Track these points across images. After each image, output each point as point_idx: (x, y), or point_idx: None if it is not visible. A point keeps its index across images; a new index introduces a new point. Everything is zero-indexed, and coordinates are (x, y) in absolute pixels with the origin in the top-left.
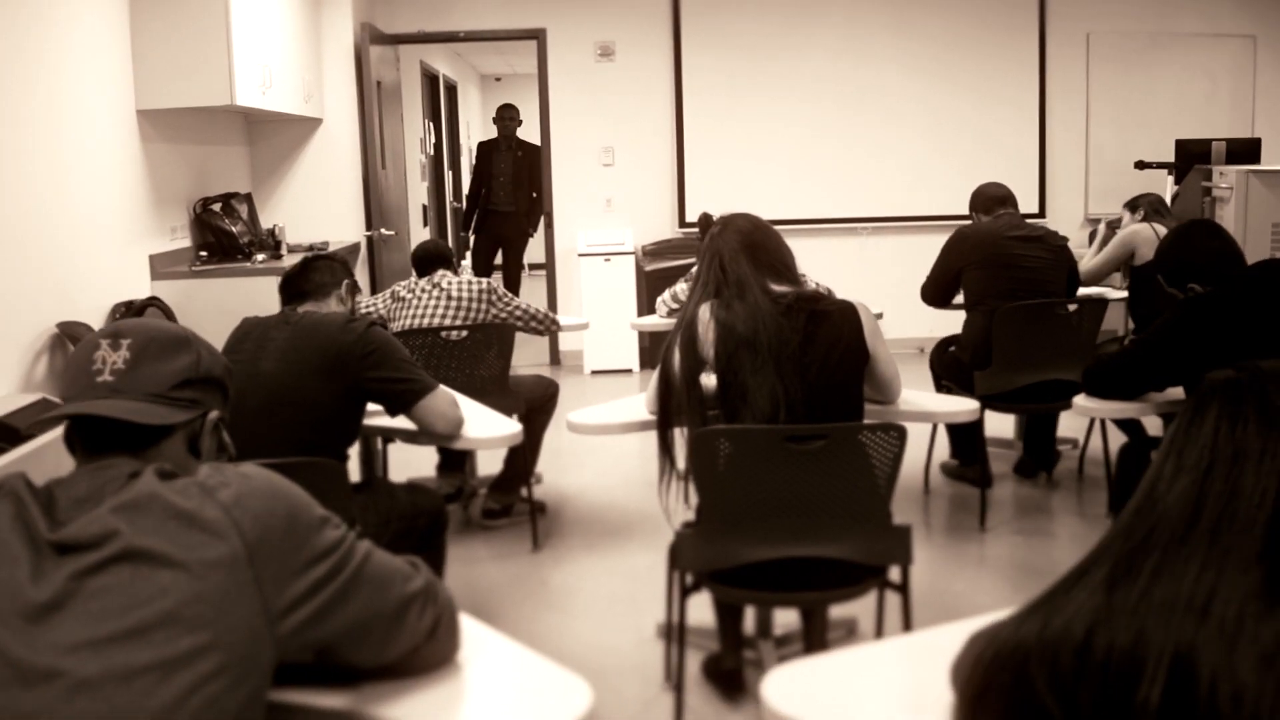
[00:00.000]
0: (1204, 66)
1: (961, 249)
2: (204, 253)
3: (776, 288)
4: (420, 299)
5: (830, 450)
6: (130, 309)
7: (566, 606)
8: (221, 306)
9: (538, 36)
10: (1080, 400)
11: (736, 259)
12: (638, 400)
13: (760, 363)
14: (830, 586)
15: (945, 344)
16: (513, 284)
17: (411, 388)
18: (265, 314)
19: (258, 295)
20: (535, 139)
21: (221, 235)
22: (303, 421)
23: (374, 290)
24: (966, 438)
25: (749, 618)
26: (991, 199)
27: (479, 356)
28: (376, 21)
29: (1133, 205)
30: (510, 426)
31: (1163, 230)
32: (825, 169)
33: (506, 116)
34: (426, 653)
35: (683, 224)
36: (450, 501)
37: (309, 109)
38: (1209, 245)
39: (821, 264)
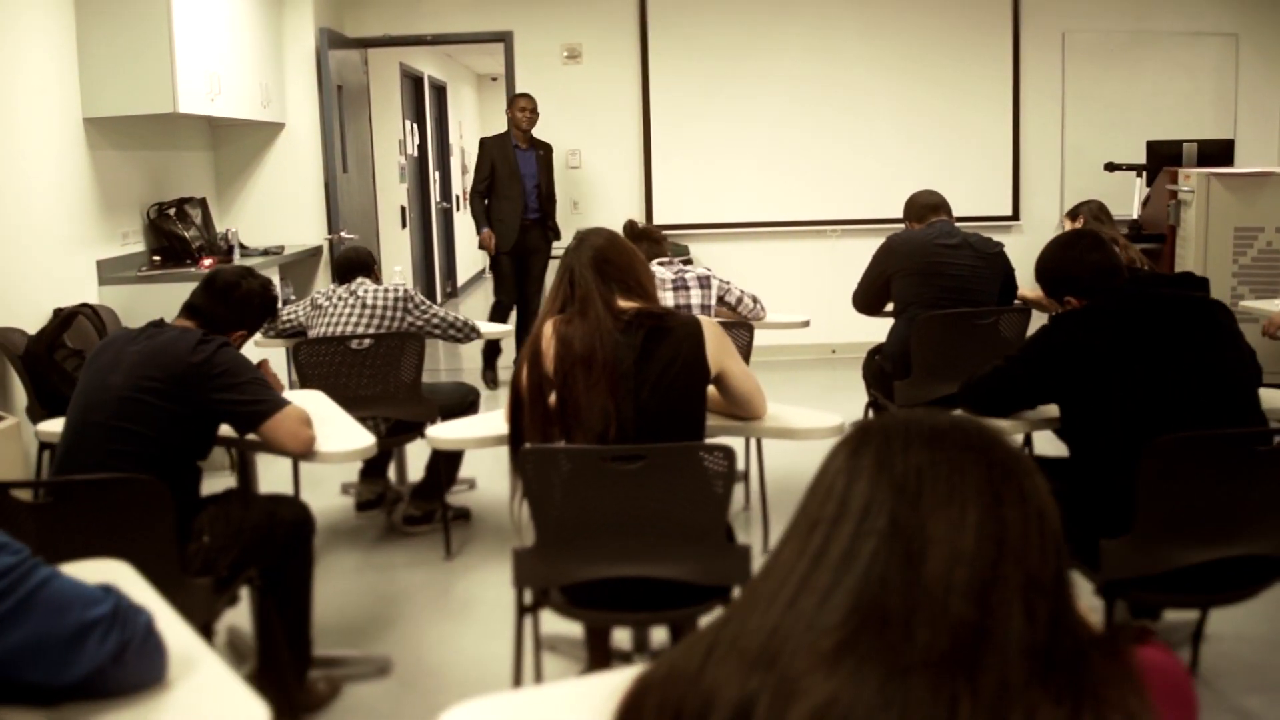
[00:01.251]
0: (1185, 65)
1: (889, 257)
2: (157, 257)
3: (624, 304)
4: (336, 307)
5: (652, 470)
6: (58, 317)
7: (463, 616)
8: (166, 311)
9: (505, 39)
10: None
11: (585, 275)
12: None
13: (594, 380)
14: (673, 606)
15: (873, 353)
16: (534, 306)
17: (258, 409)
18: None
19: None
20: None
21: (174, 240)
22: (148, 436)
23: None
24: None
25: (623, 634)
26: (924, 206)
27: (391, 365)
28: (345, 25)
29: (1073, 213)
30: (363, 439)
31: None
32: (795, 171)
33: (524, 106)
34: (118, 675)
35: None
36: (370, 507)
37: (268, 114)
38: (1089, 259)
39: (792, 266)
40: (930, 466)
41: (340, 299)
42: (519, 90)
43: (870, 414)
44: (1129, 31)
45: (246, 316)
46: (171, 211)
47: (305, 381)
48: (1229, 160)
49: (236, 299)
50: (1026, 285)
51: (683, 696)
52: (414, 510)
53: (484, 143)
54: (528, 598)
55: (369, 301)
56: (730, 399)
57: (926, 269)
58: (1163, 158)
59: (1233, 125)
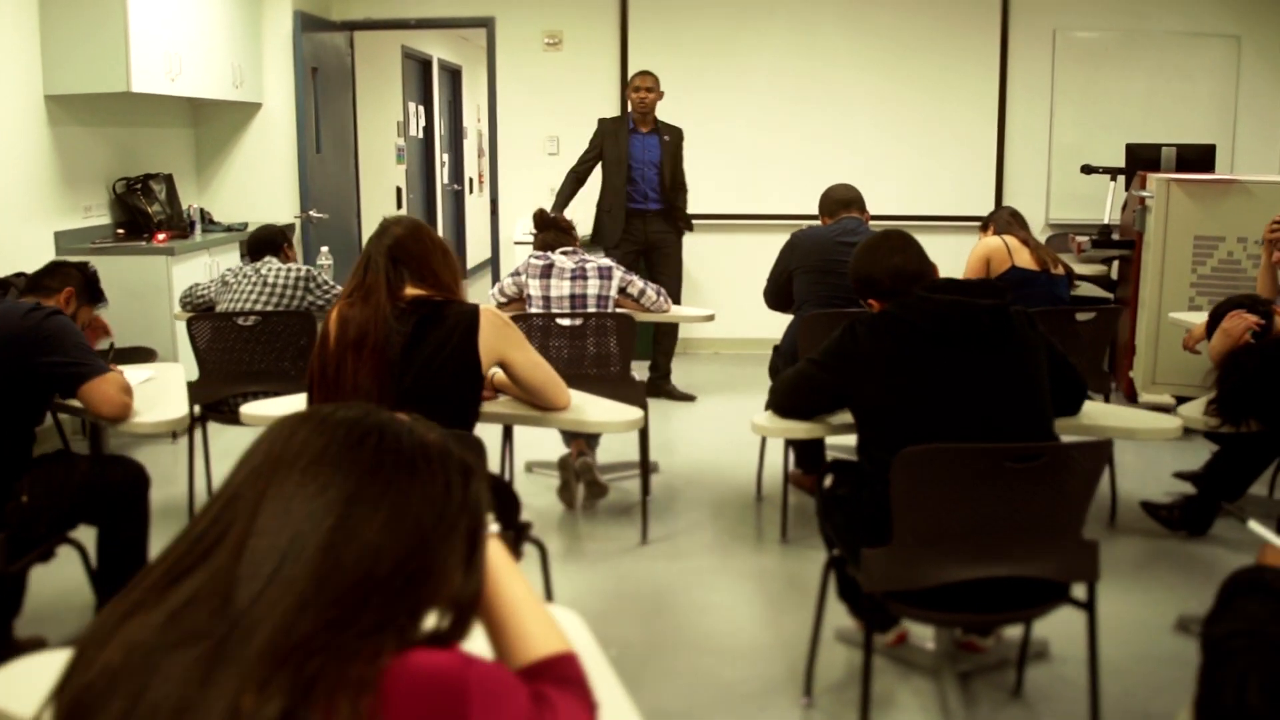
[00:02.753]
0: (1182, 67)
1: (792, 253)
2: (121, 230)
3: (411, 291)
4: (240, 284)
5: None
6: None
7: None
8: (119, 282)
9: (487, 25)
10: (757, 419)
11: (378, 262)
12: None
13: (362, 362)
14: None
15: (775, 349)
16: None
17: (78, 371)
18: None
19: (152, 273)
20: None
21: (138, 214)
22: None
23: None
24: (807, 449)
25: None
26: (835, 202)
27: (284, 344)
28: (331, 9)
29: (986, 222)
30: (179, 410)
31: (1014, 242)
32: (774, 165)
33: (639, 85)
34: None
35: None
36: None
37: (241, 94)
38: (890, 262)
39: (766, 260)
40: (292, 459)
41: (245, 276)
42: (499, 78)
43: None
44: (1124, 31)
45: (69, 281)
46: (137, 187)
47: (199, 355)
48: (1210, 166)
49: (61, 272)
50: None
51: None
52: None
53: (601, 124)
54: None
55: (270, 280)
56: (522, 389)
57: (823, 266)
58: (1141, 161)
59: (1231, 130)
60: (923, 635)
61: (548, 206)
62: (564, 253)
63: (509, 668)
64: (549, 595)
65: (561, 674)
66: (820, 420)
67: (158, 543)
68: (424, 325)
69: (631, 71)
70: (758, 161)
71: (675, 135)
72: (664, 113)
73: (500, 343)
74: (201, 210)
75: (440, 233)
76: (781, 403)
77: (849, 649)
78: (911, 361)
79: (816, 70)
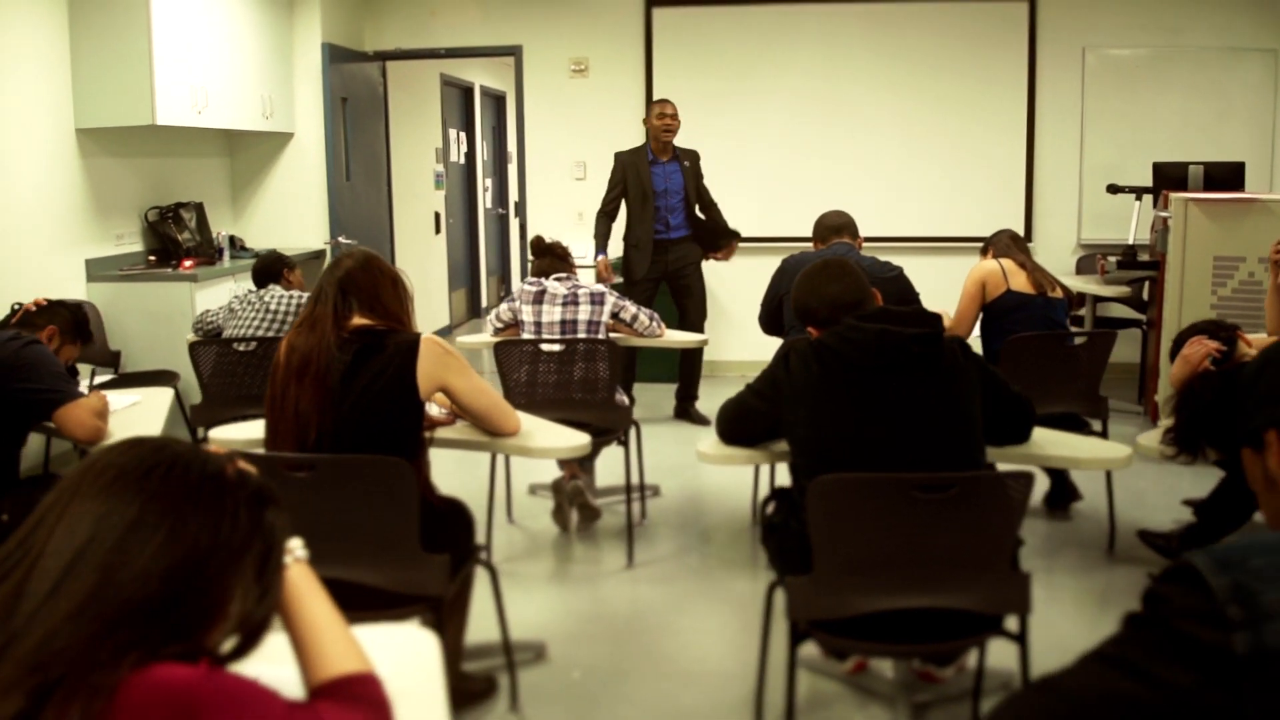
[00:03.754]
0: (1218, 83)
1: (781, 278)
2: (152, 257)
3: (359, 321)
4: (245, 311)
5: (322, 481)
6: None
7: None
8: (144, 308)
9: (515, 53)
10: (701, 446)
11: (328, 292)
12: None
13: (303, 389)
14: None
15: None
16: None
17: (51, 397)
18: (179, 315)
19: (175, 298)
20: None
21: (168, 241)
22: None
23: None
24: None
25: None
26: (827, 228)
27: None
28: (364, 40)
29: (986, 245)
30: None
31: (1010, 265)
32: (798, 187)
33: (662, 114)
34: None
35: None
36: None
37: (272, 124)
38: (826, 291)
39: None
40: (90, 484)
41: (250, 304)
42: (526, 103)
43: None
44: (1156, 47)
45: (55, 319)
46: (169, 215)
47: (201, 379)
48: (1239, 184)
49: (49, 310)
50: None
51: None
52: None
53: (618, 158)
54: None
55: (272, 307)
56: (467, 416)
57: None
58: (1169, 180)
59: (1270, 146)
60: (883, 664)
61: (581, 231)
62: (558, 279)
63: (308, 685)
64: (501, 617)
65: (353, 692)
66: (763, 448)
67: None
68: (364, 354)
69: (657, 96)
70: (783, 184)
71: (693, 158)
72: (689, 136)
73: (440, 371)
74: (232, 237)
75: (483, 256)
76: (724, 430)
77: (811, 675)
78: (837, 390)
79: (841, 92)
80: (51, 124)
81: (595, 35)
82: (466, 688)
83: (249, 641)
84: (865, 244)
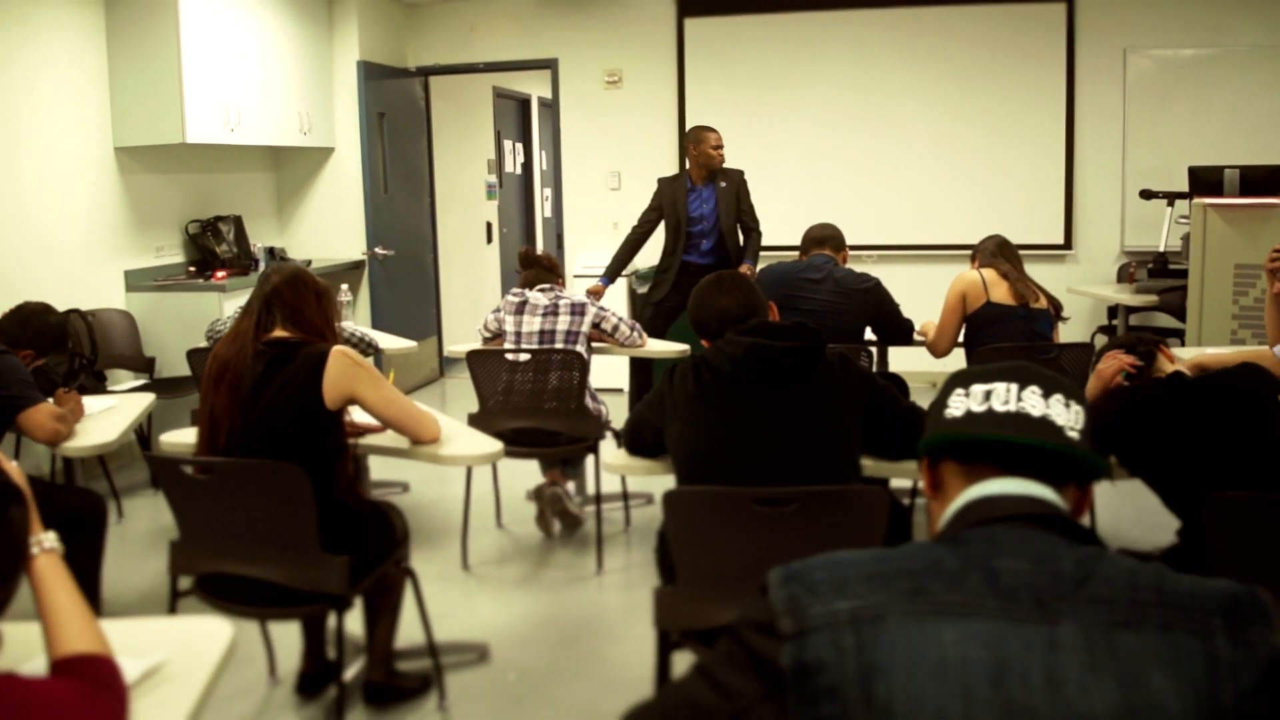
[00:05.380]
0: (1267, 82)
1: (760, 288)
2: (192, 268)
3: (279, 333)
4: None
5: (222, 484)
6: None
7: None
8: (177, 316)
9: (551, 66)
10: (607, 456)
11: (254, 305)
12: None
13: (219, 396)
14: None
15: None
16: None
17: (14, 402)
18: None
19: (206, 307)
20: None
21: (207, 253)
22: None
23: (372, 301)
24: None
25: None
26: (810, 240)
27: None
28: (406, 57)
29: (974, 252)
30: (109, 436)
31: (991, 276)
32: (830, 195)
33: (719, 145)
34: None
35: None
36: None
37: (310, 140)
38: (716, 303)
39: None
40: None
41: None
42: (563, 115)
43: None
44: (1200, 47)
45: (38, 341)
46: (208, 228)
47: (198, 384)
48: (1277, 189)
49: (34, 326)
50: (929, 317)
51: None
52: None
53: (660, 184)
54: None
55: None
56: (383, 425)
57: (784, 301)
58: (1204, 185)
59: None
60: None
61: (617, 239)
62: (541, 290)
63: (50, 661)
64: (424, 619)
65: (83, 670)
66: (664, 459)
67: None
68: (275, 365)
69: (692, 114)
70: (814, 192)
71: (734, 178)
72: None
73: (349, 382)
74: (271, 249)
75: None
76: (625, 441)
77: None
78: (710, 403)
79: (874, 101)
80: (91, 143)
81: (628, 47)
82: (397, 684)
83: None
84: (898, 251)
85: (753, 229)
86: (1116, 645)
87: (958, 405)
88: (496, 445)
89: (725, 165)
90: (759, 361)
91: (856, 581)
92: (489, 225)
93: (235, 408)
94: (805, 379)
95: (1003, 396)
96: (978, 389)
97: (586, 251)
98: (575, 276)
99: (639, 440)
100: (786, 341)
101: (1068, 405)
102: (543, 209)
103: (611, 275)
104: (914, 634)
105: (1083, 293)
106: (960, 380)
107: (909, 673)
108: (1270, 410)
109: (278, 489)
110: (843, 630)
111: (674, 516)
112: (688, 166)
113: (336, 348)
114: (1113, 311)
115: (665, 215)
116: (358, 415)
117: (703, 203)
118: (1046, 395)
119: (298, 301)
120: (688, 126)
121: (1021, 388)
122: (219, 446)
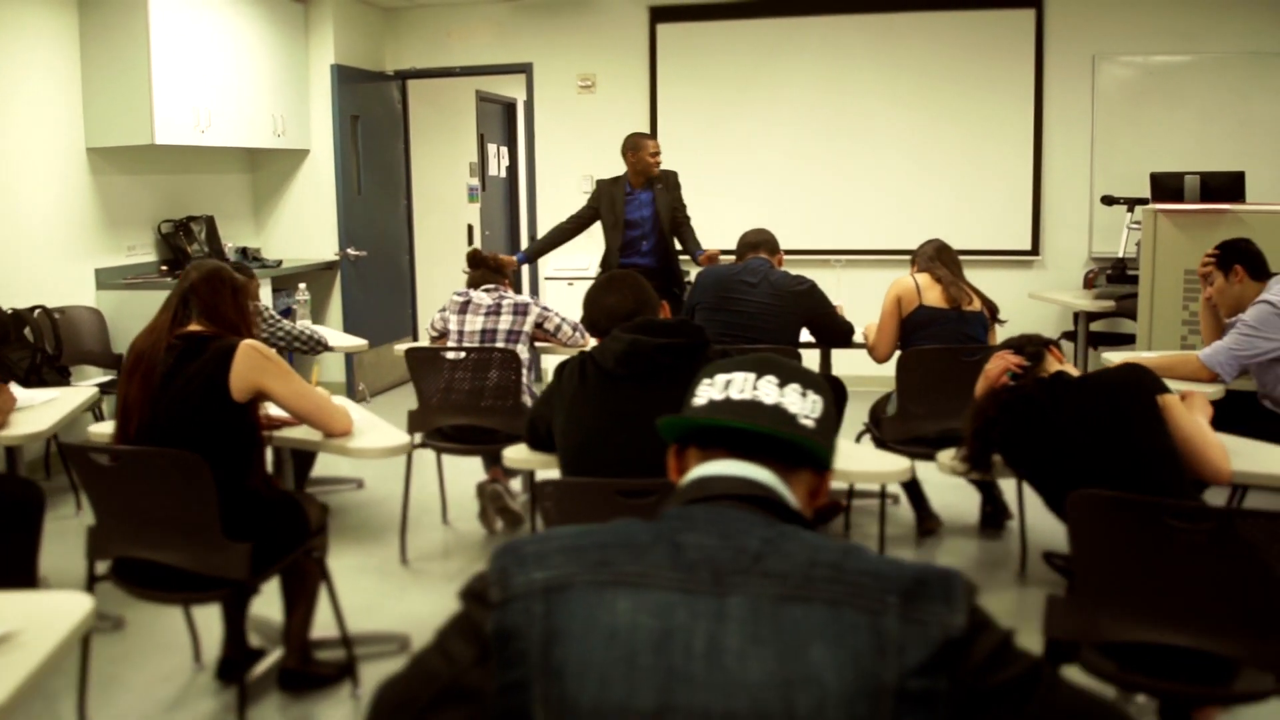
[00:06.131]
0: (1236, 89)
1: (695, 290)
2: (164, 267)
3: (193, 328)
4: None
5: (125, 471)
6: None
7: None
8: (147, 314)
9: (525, 70)
10: (508, 452)
11: (172, 301)
12: None
13: (132, 387)
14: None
15: None
16: None
17: None
18: None
19: None
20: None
21: (178, 253)
22: None
23: (344, 302)
24: None
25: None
26: (745, 244)
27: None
28: (384, 61)
29: (913, 256)
30: (38, 428)
31: (924, 280)
32: (802, 200)
33: (657, 151)
34: None
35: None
36: None
37: (284, 142)
38: (604, 301)
39: None
40: None
41: None
42: (536, 119)
43: None
44: (1170, 54)
45: None
46: (180, 228)
47: None
48: (1239, 195)
49: None
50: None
51: None
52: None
53: (599, 185)
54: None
55: None
56: (295, 417)
57: (718, 303)
58: (1166, 191)
59: None
60: None
61: (588, 242)
62: (485, 290)
63: None
64: (336, 609)
65: None
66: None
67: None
68: (185, 357)
69: (664, 118)
70: (786, 196)
71: (668, 179)
72: (694, 150)
73: (256, 375)
74: (244, 249)
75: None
76: (525, 437)
77: None
78: (591, 398)
79: (845, 104)
80: (63, 143)
81: (602, 52)
82: (312, 671)
83: None
84: (868, 255)
85: (684, 222)
86: (782, 618)
87: (703, 394)
88: (404, 439)
89: (663, 168)
90: (637, 358)
91: (556, 554)
92: (470, 228)
93: (145, 398)
94: (681, 376)
95: (739, 386)
96: (720, 378)
97: (558, 253)
98: (546, 279)
99: (535, 435)
100: (664, 338)
101: (804, 395)
102: (525, 211)
103: (530, 256)
104: (593, 602)
105: (1044, 299)
106: (710, 371)
107: (583, 638)
108: (1144, 411)
109: (179, 477)
110: (535, 599)
111: (544, 506)
112: (625, 172)
113: (245, 341)
114: (1078, 318)
115: (603, 216)
116: (273, 409)
117: (641, 206)
118: (783, 385)
119: (213, 297)
120: (660, 130)
121: (759, 377)
122: (129, 435)
